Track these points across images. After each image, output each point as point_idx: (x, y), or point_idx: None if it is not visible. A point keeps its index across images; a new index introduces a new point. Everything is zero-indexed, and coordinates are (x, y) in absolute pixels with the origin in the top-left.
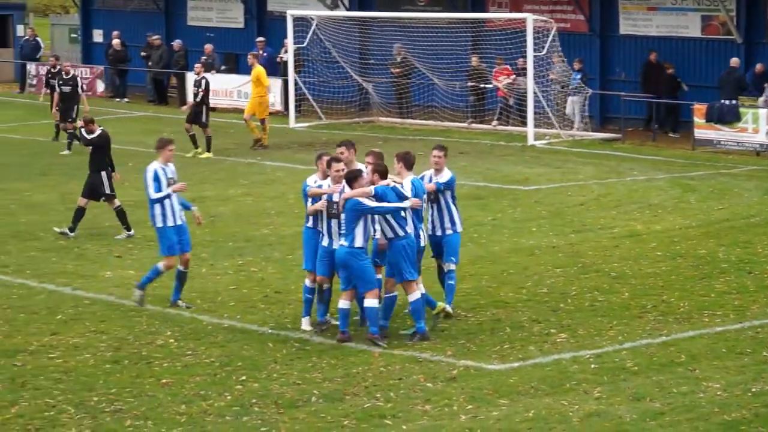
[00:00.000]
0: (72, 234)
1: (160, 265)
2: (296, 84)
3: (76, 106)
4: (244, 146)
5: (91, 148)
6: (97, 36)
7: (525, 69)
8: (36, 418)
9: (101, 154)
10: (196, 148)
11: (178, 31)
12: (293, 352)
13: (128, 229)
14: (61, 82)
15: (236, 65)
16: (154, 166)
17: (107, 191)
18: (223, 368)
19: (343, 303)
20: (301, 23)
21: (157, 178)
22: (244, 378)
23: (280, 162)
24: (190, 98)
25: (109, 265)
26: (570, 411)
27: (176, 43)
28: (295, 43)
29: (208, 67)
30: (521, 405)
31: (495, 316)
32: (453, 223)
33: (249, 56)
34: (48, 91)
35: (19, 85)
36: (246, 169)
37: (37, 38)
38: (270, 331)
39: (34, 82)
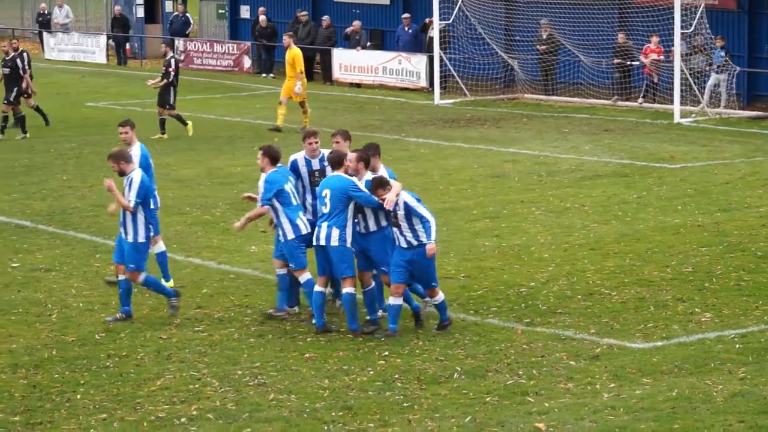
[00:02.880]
0: None
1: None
2: (441, 61)
3: (16, 89)
4: (389, 123)
5: None
6: (244, 12)
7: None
8: (181, 390)
9: None
10: (163, 133)
11: (324, 8)
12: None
13: None
14: (2, 63)
15: (382, 42)
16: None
17: None
18: (365, 343)
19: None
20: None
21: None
22: (386, 353)
23: (424, 138)
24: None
25: (254, 240)
26: (714, 391)
27: (325, 20)
28: (441, 20)
29: (355, 43)
30: (665, 384)
31: (639, 295)
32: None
33: (285, 36)
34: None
35: None
36: (390, 145)
37: (187, 14)
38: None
39: (182, 57)
